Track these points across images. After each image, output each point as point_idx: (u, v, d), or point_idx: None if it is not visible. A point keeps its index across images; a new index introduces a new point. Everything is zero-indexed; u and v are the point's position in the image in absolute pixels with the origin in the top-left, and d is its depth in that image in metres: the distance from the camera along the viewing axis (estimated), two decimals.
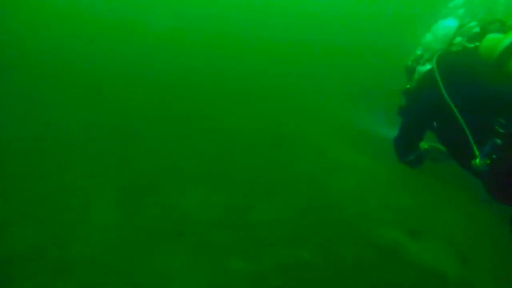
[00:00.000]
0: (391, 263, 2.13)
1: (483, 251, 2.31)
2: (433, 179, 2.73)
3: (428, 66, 1.87)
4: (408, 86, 2.02)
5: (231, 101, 4.41)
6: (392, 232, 2.40)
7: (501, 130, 1.50)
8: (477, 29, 1.72)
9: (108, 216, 2.31)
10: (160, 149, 3.21)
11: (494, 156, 1.53)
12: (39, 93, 4.06)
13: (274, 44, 6.78)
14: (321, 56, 6.07)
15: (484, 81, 1.61)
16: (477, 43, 1.66)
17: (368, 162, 3.29)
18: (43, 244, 2.01)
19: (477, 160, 1.58)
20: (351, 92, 4.54)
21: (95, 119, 3.59)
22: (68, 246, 2.02)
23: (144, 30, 7.11)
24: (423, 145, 2.13)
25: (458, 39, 1.84)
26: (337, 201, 2.71)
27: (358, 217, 2.54)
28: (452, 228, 2.50)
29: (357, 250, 2.20)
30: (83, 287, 1.81)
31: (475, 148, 1.60)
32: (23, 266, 1.88)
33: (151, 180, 2.74)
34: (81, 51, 5.67)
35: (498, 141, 1.51)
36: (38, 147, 3.01)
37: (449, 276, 2.12)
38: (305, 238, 2.29)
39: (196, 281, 1.92)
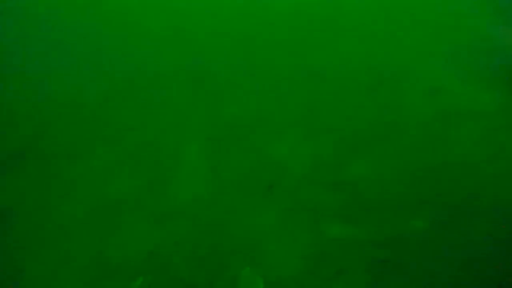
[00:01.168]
0: None
1: None
2: None
3: None
4: None
5: (317, 34, 3.84)
6: None
7: None
8: None
9: (197, 169, 2.18)
10: (242, 95, 2.93)
11: None
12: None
13: None
14: None
15: None
16: None
17: (503, 102, 2.59)
18: (137, 196, 2.02)
19: None
20: None
21: (171, 66, 3.40)
22: (159, 199, 1.98)
23: None
24: None
25: None
26: (460, 158, 2.18)
27: (492, 178, 2.00)
28: None
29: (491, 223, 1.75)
30: (175, 237, 1.77)
31: None
32: (125, 213, 1.90)
33: (237, 130, 2.51)
34: None
35: None
36: (116, 101, 2.95)
37: None
38: (418, 204, 1.88)
39: (291, 244, 1.74)
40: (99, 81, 3.09)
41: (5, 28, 4.00)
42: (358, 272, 1.65)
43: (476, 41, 3.30)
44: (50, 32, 3.88)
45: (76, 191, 2.07)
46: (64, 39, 3.70)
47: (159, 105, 2.80)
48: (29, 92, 2.93)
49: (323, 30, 3.92)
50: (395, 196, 1.96)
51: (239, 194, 2.03)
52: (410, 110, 2.63)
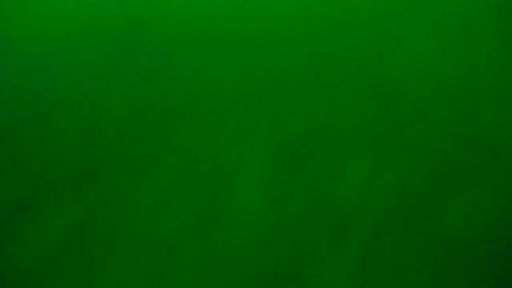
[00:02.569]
0: None
1: None
2: None
3: None
4: None
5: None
6: None
7: None
8: None
9: (256, 197, 1.89)
10: (307, 107, 2.59)
11: None
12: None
13: None
14: None
15: None
16: None
17: None
18: (190, 234, 1.75)
19: None
20: None
21: (230, 74, 3.17)
22: (210, 236, 1.72)
23: None
24: None
25: None
26: None
27: None
28: None
29: None
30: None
31: None
32: (181, 251, 1.65)
33: (304, 149, 2.18)
34: None
35: None
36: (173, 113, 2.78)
37: None
38: None
39: None
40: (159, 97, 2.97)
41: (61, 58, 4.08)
42: None
43: None
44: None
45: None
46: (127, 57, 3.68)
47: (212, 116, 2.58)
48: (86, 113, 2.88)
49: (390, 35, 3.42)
50: None
51: (304, 235, 1.70)
52: None
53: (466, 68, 3.10)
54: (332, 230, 1.68)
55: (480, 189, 1.84)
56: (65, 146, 2.46)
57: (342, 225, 1.70)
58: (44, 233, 1.79)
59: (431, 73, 3.00)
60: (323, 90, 2.80)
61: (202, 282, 1.49)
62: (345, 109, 2.53)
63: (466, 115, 2.52)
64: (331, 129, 2.34)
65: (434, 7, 4.33)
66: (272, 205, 1.84)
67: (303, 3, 4.66)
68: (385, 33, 3.58)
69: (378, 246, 1.61)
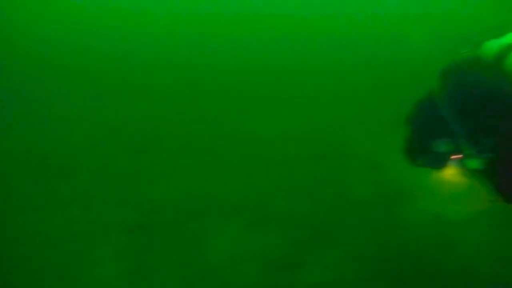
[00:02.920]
0: None
1: None
2: None
3: None
4: None
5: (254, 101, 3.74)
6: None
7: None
8: None
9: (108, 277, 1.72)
10: (174, 173, 2.59)
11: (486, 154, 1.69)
12: None
13: None
14: None
15: None
16: None
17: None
18: None
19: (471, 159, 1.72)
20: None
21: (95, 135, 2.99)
22: None
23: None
24: None
25: None
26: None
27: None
28: None
29: None
30: None
31: (467, 147, 1.73)
32: None
33: (165, 217, 2.13)
34: None
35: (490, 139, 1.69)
36: None
37: None
38: None
39: None
40: None
41: None
42: None
43: None
44: None
45: None
46: None
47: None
48: None
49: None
50: None
51: None
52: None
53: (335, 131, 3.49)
54: None
55: (336, 253, 2.05)
56: None
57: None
58: None
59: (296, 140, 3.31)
60: (195, 157, 2.85)
61: None
62: (216, 177, 2.61)
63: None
64: (203, 195, 2.39)
65: None
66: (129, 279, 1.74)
67: None
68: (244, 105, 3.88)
69: None
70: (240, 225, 2.18)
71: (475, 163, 1.69)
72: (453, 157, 1.88)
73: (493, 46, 1.75)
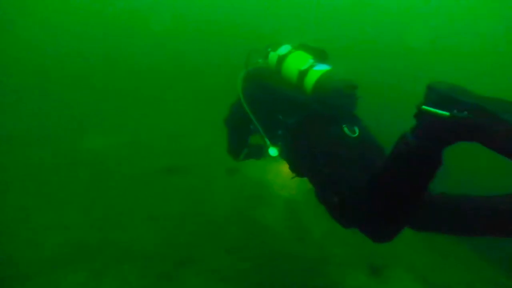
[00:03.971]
0: None
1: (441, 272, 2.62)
2: None
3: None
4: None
5: None
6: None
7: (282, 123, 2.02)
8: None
9: None
10: None
11: (279, 143, 2.08)
12: None
13: None
14: None
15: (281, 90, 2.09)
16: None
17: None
18: None
19: (269, 148, 2.09)
20: None
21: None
22: None
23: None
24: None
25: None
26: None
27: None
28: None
29: None
30: None
31: (266, 139, 2.13)
32: None
33: None
34: None
35: (280, 131, 2.05)
36: None
37: None
38: None
39: None
40: None
41: None
42: None
43: None
44: None
45: None
46: None
47: None
48: None
49: None
50: None
51: None
52: None
53: None
54: None
55: None
56: None
57: None
58: None
59: None
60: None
61: None
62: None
63: None
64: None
65: None
66: None
67: None
68: None
69: None
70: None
71: (273, 151, 2.04)
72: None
73: (273, 57, 2.13)
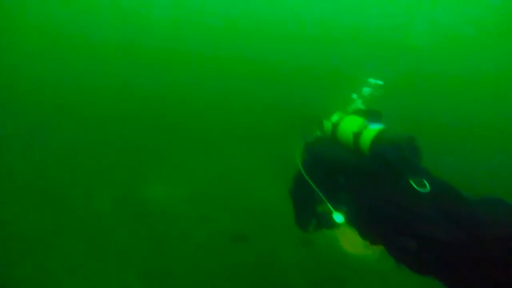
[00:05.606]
0: None
1: None
2: None
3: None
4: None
5: None
6: None
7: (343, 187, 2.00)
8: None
9: None
10: None
11: (344, 208, 2.01)
12: None
13: None
14: None
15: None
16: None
17: None
18: None
19: (333, 214, 2.03)
20: None
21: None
22: None
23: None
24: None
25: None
26: None
27: None
28: None
29: None
30: None
31: (329, 205, 2.07)
32: None
33: None
34: None
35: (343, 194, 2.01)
36: None
37: None
38: None
39: None
40: None
41: None
42: None
43: None
44: None
45: None
46: None
47: None
48: None
49: None
50: None
51: None
52: None
53: None
54: None
55: None
56: None
57: None
58: None
59: None
60: None
61: None
62: None
63: None
64: None
65: None
66: None
67: None
68: None
69: None
70: None
71: (339, 217, 1.95)
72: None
73: (328, 125, 2.19)
